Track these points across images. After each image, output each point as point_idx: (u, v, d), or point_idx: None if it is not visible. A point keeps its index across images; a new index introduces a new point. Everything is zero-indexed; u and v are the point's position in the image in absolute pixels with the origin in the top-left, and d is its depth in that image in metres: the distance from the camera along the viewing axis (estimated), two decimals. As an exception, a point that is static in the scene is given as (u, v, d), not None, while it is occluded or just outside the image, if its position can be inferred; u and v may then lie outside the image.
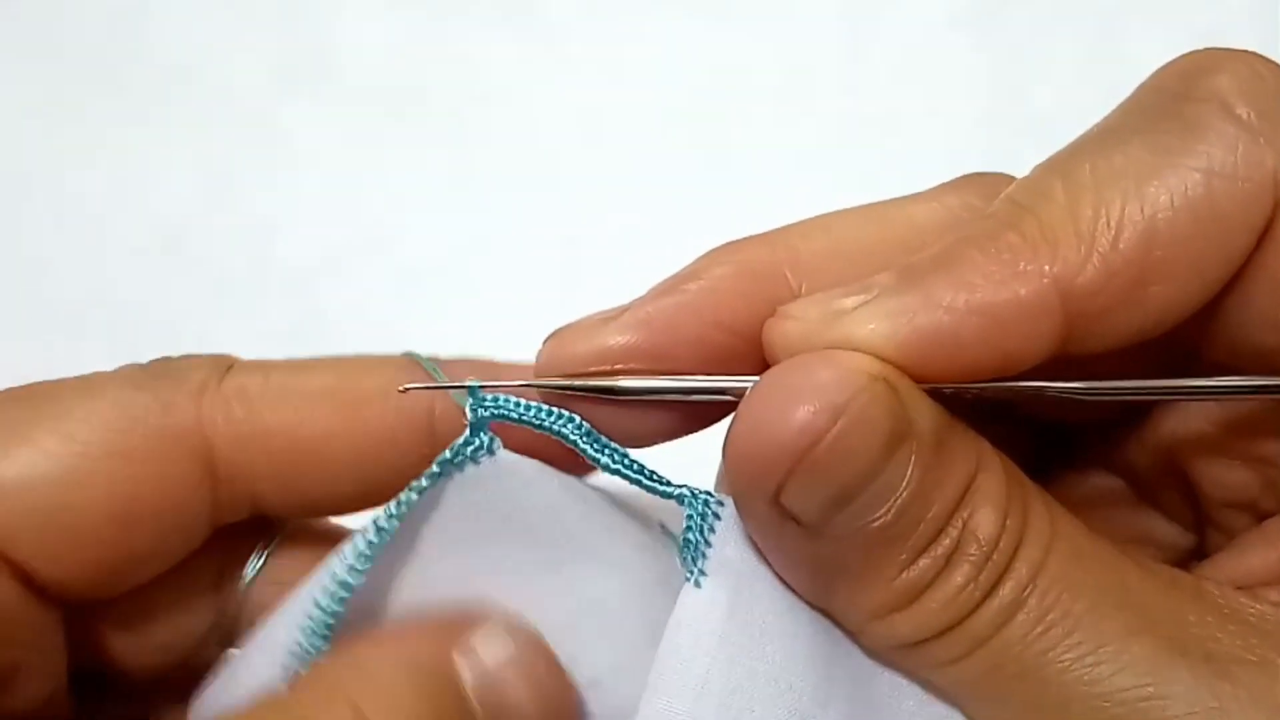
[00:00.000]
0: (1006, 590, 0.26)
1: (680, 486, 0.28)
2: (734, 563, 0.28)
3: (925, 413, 0.26)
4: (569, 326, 0.29)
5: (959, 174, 0.31)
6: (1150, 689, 0.25)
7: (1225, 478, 0.30)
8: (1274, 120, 0.26)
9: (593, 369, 0.28)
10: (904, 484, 0.25)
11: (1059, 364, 0.26)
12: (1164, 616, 0.26)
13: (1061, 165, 0.27)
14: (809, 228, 0.29)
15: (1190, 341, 0.28)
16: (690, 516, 0.28)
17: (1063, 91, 0.64)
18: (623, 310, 0.28)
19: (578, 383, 0.28)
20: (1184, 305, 0.26)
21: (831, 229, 0.29)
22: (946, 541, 0.26)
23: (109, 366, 0.31)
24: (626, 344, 0.28)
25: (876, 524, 0.25)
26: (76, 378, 0.31)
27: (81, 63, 0.66)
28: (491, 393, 0.28)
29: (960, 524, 0.26)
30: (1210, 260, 0.26)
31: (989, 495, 0.26)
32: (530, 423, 0.28)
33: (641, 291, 0.29)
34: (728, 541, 0.28)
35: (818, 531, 0.25)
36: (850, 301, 0.26)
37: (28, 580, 0.29)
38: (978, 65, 0.65)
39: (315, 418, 0.30)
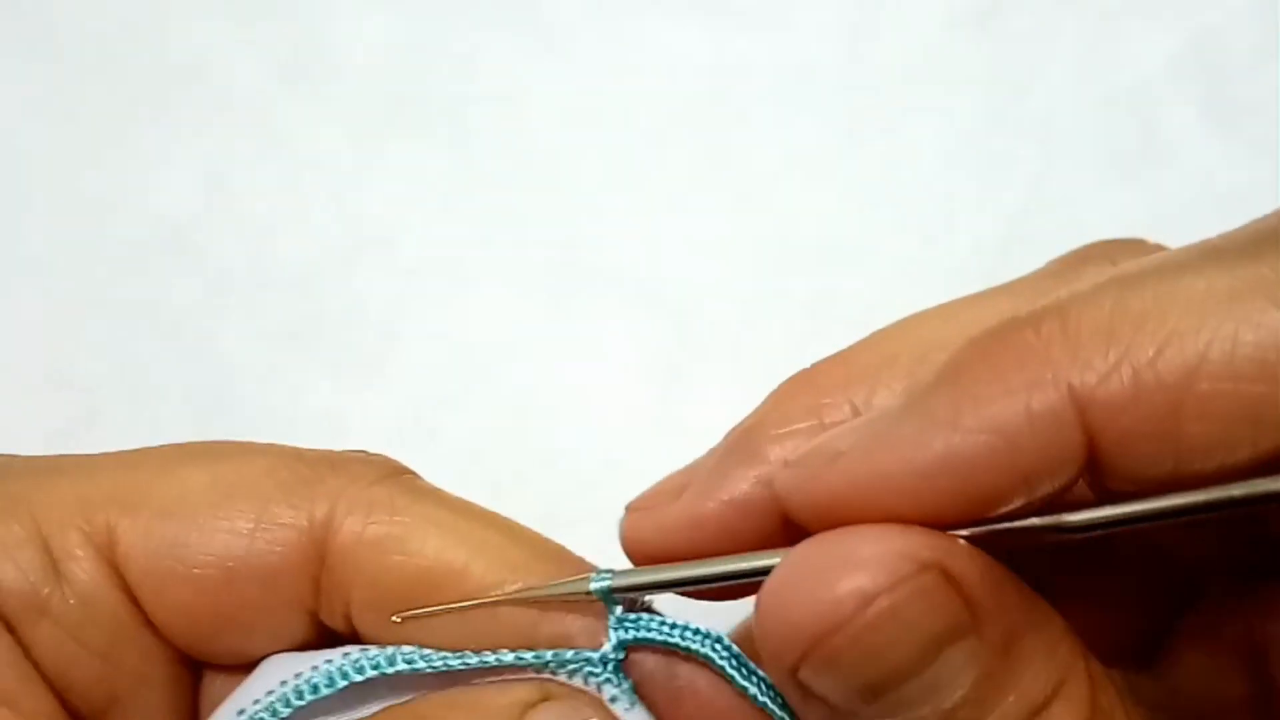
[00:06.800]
0: None
1: None
2: None
3: (996, 606, 0.23)
4: (651, 505, 0.28)
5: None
6: None
7: None
8: None
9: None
10: (955, 686, 0.22)
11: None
12: None
13: (1122, 272, 0.23)
14: (885, 341, 0.28)
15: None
16: None
17: (1063, 91, 0.64)
18: (708, 481, 0.27)
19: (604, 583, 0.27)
20: (1227, 457, 0.22)
21: (908, 334, 0.27)
22: None
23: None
24: (717, 524, 0.26)
25: None
26: (234, 442, 0.30)
27: (81, 63, 0.66)
28: (627, 606, 0.27)
29: None
30: (1272, 417, 0.21)
31: None
32: (674, 644, 0.27)
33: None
34: None
35: (850, 715, 0.23)
36: (845, 441, 0.24)
37: (135, 600, 0.28)
38: (978, 65, 0.65)
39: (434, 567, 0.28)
